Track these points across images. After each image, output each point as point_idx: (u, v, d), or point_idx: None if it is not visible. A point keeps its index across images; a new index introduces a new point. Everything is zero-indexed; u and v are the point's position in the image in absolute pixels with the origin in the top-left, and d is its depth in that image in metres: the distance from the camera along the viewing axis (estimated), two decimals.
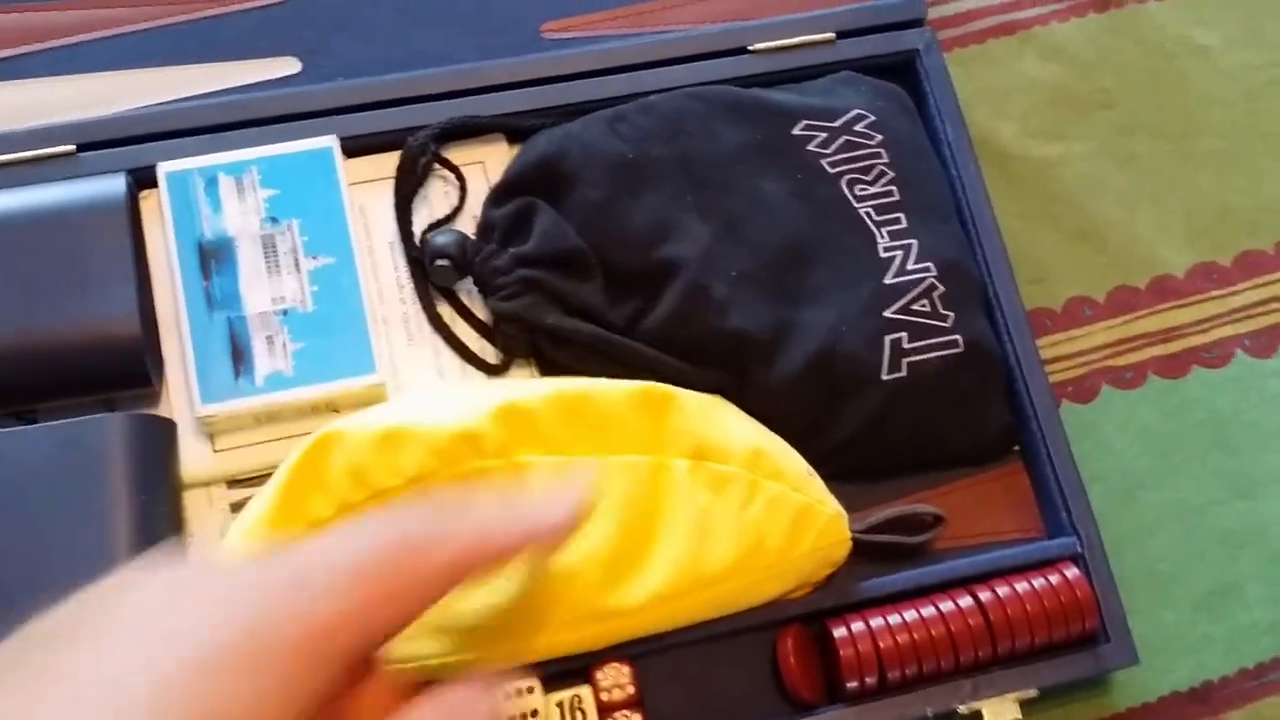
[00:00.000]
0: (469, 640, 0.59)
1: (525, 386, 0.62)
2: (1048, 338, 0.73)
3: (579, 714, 0.61)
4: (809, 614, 0.64)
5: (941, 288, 0.67)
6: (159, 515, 0.60)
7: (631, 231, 0.66)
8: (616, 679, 0.61)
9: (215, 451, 0.63)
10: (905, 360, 0.66)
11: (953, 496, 0.68)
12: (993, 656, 0.63)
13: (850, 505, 0.64)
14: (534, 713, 0.60)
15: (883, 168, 0.69)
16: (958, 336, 0.67)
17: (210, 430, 0.63)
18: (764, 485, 0.62)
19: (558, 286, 0.64)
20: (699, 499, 0.62)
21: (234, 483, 0.63)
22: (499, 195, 0.67)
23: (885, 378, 0.65)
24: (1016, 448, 0.69)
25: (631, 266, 0.65)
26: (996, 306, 0.69)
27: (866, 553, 0.65)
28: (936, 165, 0.71)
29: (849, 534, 0.64)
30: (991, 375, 0.68)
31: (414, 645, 0.59)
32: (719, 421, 0.63)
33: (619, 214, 0.66)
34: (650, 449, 0.62)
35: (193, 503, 0.63)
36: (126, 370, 0.62)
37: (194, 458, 0.63)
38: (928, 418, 0.66)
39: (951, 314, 0.67)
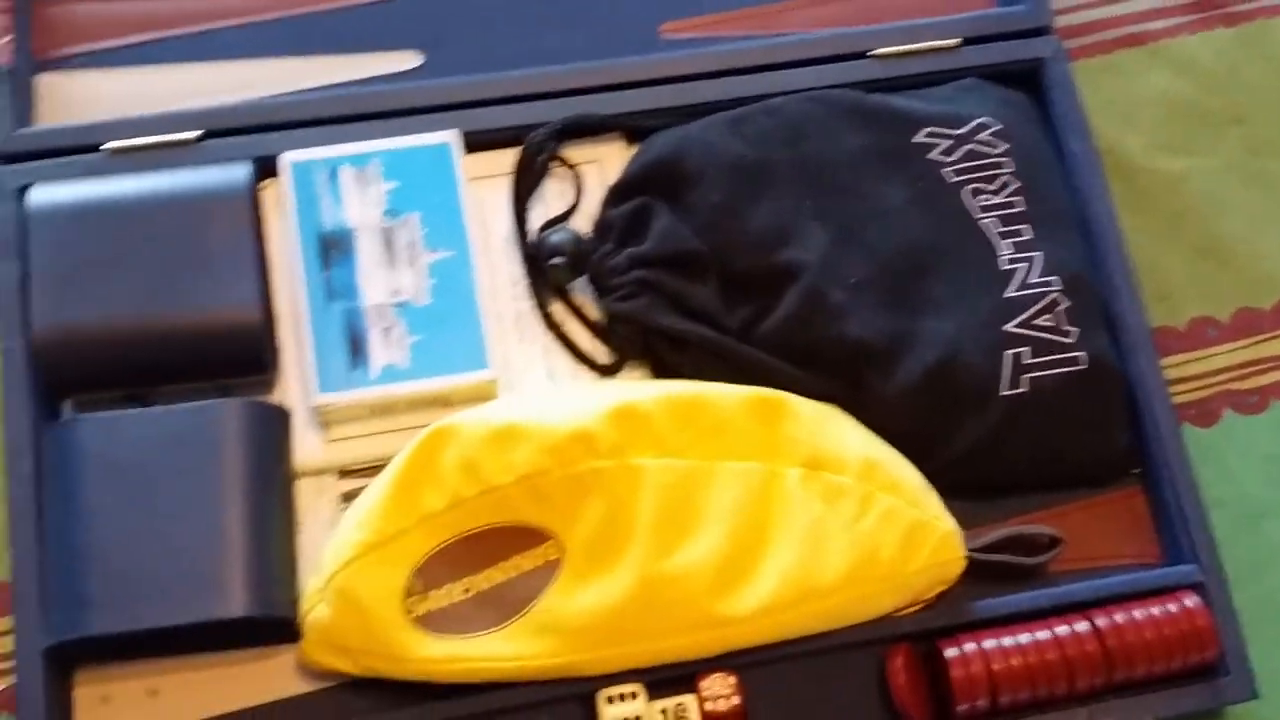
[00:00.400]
0: (575, 642, 0.59)
1: (638, 388, 0.62)
2: (1170, 358, 0.71)
3: None
4: (920, 632, 0.62)
5: (1066, 302, 0.65)
6: (272, 502, 0.60)
7: (750, 234, 0.65)
8: (721, 689, 0.60)
9: (328, 442, 0.63)
10: (1026, 376, 0.64)
11: (1069, 518, 0.67)
12: (1108, 685, 0.62)
13: (964, 522, 0.63)
14: (637, 718, 0.60)
15: (1007, 177, 0.68)
16: (1081, 353, 0.65)
17: (325, 420, 0.63)
18: (878, 498, 0.61)
19: (674, 288, 0.64)
20: (812, 509, 0.60)
21: (345, 473, 0.63)
22: (617, 194, 0.66)
23: (1005, 393, 0.64)
24: (1136, 470, 0.67)
25: (749, 270, 0.65)
26: (1120, 324, 0.67)
27: (980, 572, 0.63)
28: (1060, 173, 0.70)
29: (963, 552, 0.62)
30: (1113, 394, 0.66)
31: (517, 644, 0.58)
32: (834, 431, 0.62)
33: (738, 216, 0.65)
34: (764, 456, 0.61)
35: (304, 492, 0.63)
36: (244, 357, 0.62)
37: (307, 447, 0.63)
38: (1046, 435, 0.65)
39: (1075, 329, 0.65)
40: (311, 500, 0.63)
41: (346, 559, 0.58)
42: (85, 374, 0.61)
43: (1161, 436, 0.65)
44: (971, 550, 0.63)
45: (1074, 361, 0.65)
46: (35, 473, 0.60)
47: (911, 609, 0.63)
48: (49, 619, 0.57)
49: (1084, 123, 0.70)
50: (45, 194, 0.63)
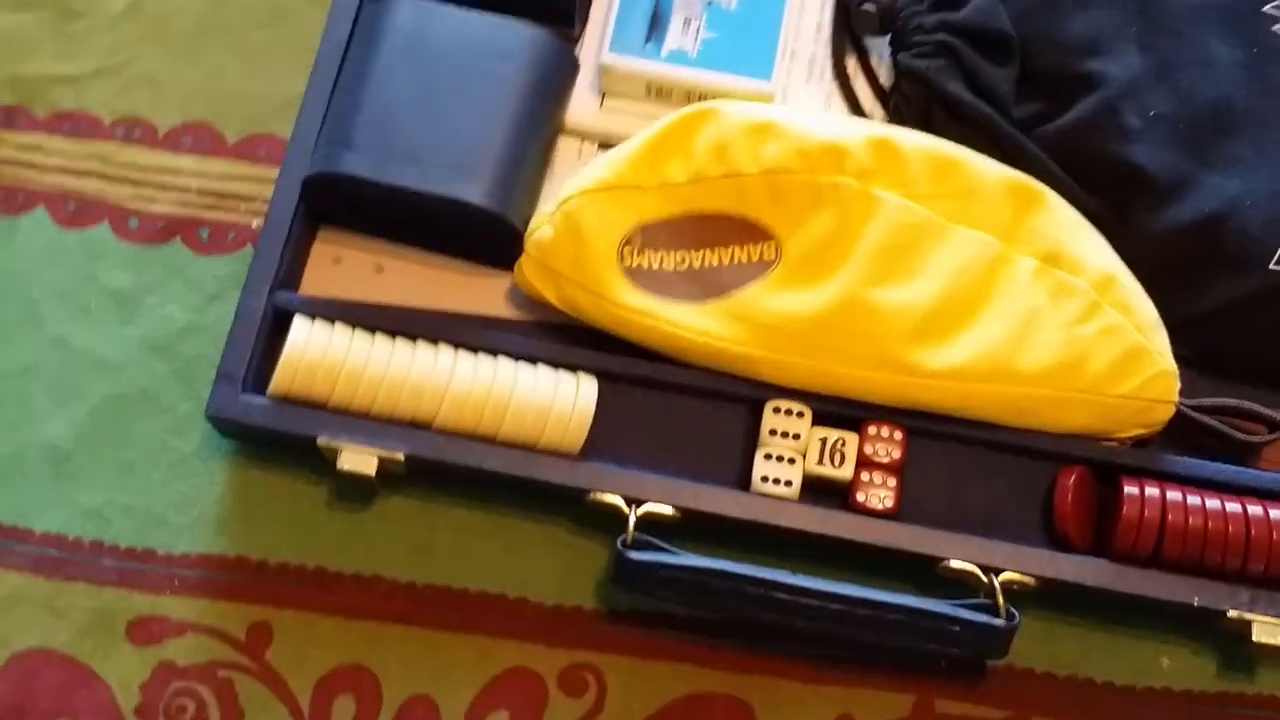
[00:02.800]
0: (764, 337, 0.59)
1: (907, 132, 0.62)
2: None
3: (838, 456, 0.60)
4: (1104, 461, 0.60)
5: None
6: (538, 130, 0.63)
7: (1066, 35, 0.64)
8: (887, 439, 0.60)
9: (602, 109, 0.66)
10: None
11: None
12: None
13: (1187, 392, 0.60)
14: (796, 435, 0.60)
15: None
16: None
17: (605, 86, 0.66)
18: (1105, 310, 0.59)
19: (971, 60, 0.63)
20: (1034, 299, 0.59)
21: (605, 146, 0.66)
22: None
23: (1274, 267, 0.61)
24: None
25: (1052, 69, 0.64)
26: None
27: (1189, 433, 0.61)
28: None
29: (1176, 397, 0.59)
30: None
31: (710, 322, 0.60)
32: (1083, 237, 0.61)
33: (1059, 16, 0.64)
34: (1005, 236, 0.60)
35: (564, 148, 0.66)
36: (556, 2, 0.65)
37: (582, 107, 0.66)
38: None
39: None
40: (569, 159, 0.66)
41: (582, 189, 0.61)
42: None
43: None
44: (1186, 404, 0.60)
45: None
46: (347, 39, 0.65)
47: (1107, 441, 0.60)
48: (314, 154, 0.62)
49: None
50: None
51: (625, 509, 0.58)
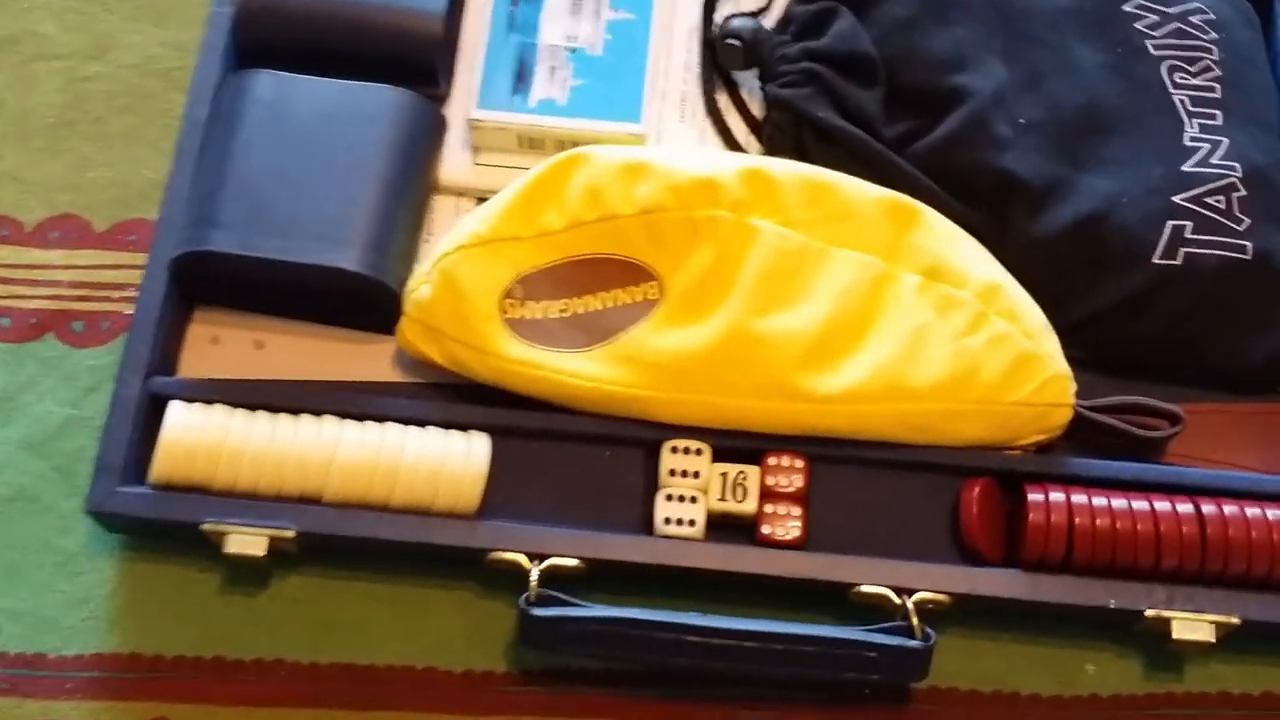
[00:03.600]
0: (654, 377, 0.58)
1: (778, 161, 0.62)
2: None
3: (740, 490, 0.59)
4: (1006, 471, 0.59)
5: (1243, 191, 0.62)
6: (408, 191, 0.62)
7: (930, 53, 0.64)
8: (789, 468, 0.59)
9: (475, 164, 0.66)
10: (1184, 250, 0.61)
11: (1198, 418, 0.62)
12: (1198, 573, 0.57)
13: (1085, 393, 0.60)
14: (696, 473, 0.59)
15: (1210, 63, 0.65)
16: (1248, 244, 0.61)
17: (477, 141, 0.65)
18: (992, 320, 0.59)
19: (838, 85, 0.63)
20: (920, 315, 0.59)
21: (483, 200, 0.65)
22: None
23: (1156, 260, 0.61)
24: None
25: (918, 86, 0.64)
26: None
27: (1089, 434, 0.60)
28: (1270, 82, 0.66)
29: (1072, 400, 0.59)
30: (1274, 295, 0.62)
31: (598, 367, 0.59)
32: (963, 249, 0.60)
33: (921, 35, 0.64)
34: (885, 255, 0.60)
35: (441, 206, 0.65)
36: (421, 63, 0.65)
37: (455, 164, 0.65)
38: (1190, 318, 0.61)
39: (1247, 220, 0.62)
40: (446, 217, 0.65)
41: (458, 245, 0.60)
42: (276, 45, 0.65)
43: None
44: (1083, 405, 0.60)
45: (1238, 249, 0.61)
46: (210, 118, 0.64)
47: (1009, 450, 0.60)
48: (181, 234, 0.61)
49: None
50: None
51: (527, 565, 0.56)
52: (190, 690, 0.58)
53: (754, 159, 0.61)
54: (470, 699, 0.58)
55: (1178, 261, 0.61)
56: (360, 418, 0.59)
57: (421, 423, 0.60)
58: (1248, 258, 0.61)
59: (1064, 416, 0.59)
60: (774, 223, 0.60)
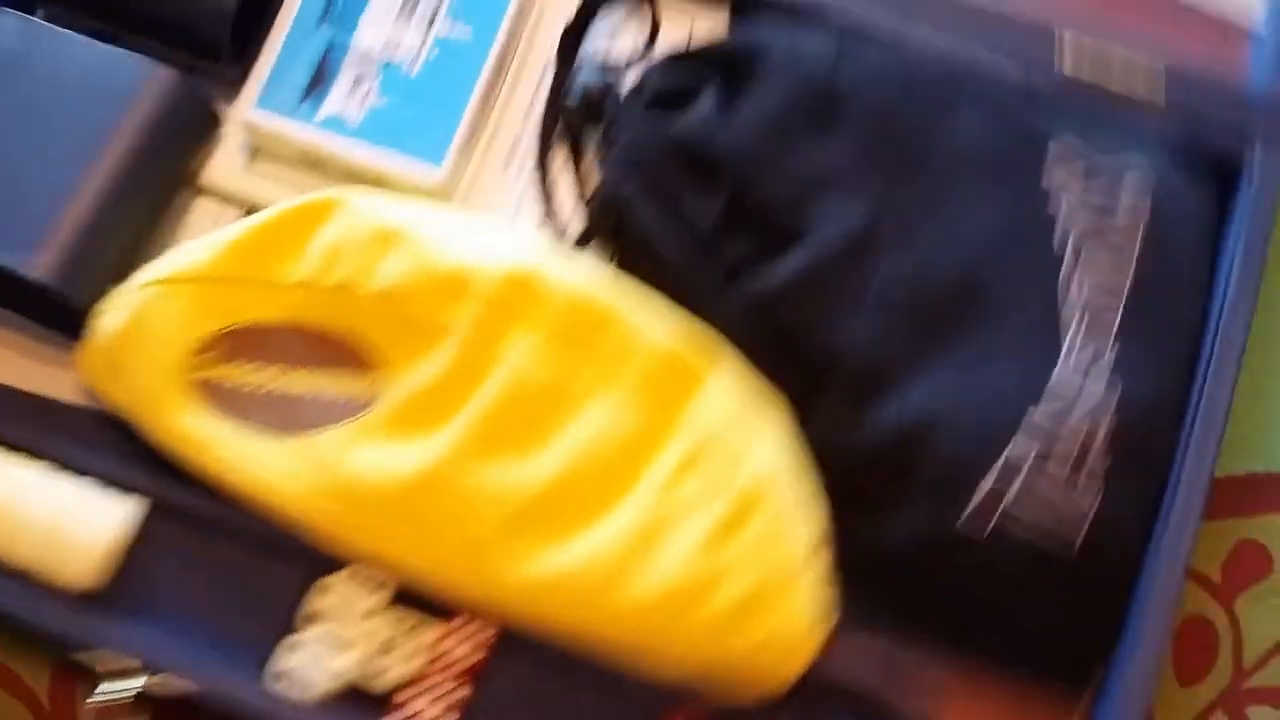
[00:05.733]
0: (339, 494, 0.48)
1: (569, 267, 0.50)
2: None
3: (406, 648, 0.49)
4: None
5: (1112, 425, 0.49)
6: (147, 191, 0.52)
7: (793, 164, 0.51)
8: (475, 638, 0.49)
9: (248, 171, 0.55)
10: (997, 513, 0.48)
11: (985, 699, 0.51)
12: None
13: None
14: (366, 614, 0.49)
15: (1123, 241, 0.51)
16: (1088, 512, 0.48)
17: (254, 145, 0.55)
18: (752, 523, 0.47)
19: (674, 184, 0.51)
20: (668, 504, 0.48)
21: (251, 212, 0.55)
22: (675, 61, 0.54)
23: (961, 516, 0.49)
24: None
25: (768, 203, 0.51)
26: (1174, 479, 0.50)
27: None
28: (1202, 279, 0.52)
29: (808, 656, 0.47)
30: (1107, 579, 0.49)
31: (282, 461, 0.49)
32: (750, 428, 0.48)
33: (789, 139, 0.52)
34: (653, 416, 0.48)
35: (200, 210, 0.55)
36: (208, 35, 0.54)
37: (226, 166, 0.55)
38: (991, 593, 0.49)
39: (1102, 471, 0.49)
40: (203, 223, 0.55)
41: (166, 276, 0.50)
42: None
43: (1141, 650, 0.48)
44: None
45: (1074, 522, 0.48)
46: None
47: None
48: None
49: (1268, 227, 0.53)
50: None
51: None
52: None
53: (537, 259, 0.49)
54: None
55: (987, 525, 0.48)
56: (11, 444, 0.51)
57: (80, 468, 0.50)
58: (1080, 539, 0.48)
59: (790, 675, 0.47)
60: (532, 343, 0.49)
